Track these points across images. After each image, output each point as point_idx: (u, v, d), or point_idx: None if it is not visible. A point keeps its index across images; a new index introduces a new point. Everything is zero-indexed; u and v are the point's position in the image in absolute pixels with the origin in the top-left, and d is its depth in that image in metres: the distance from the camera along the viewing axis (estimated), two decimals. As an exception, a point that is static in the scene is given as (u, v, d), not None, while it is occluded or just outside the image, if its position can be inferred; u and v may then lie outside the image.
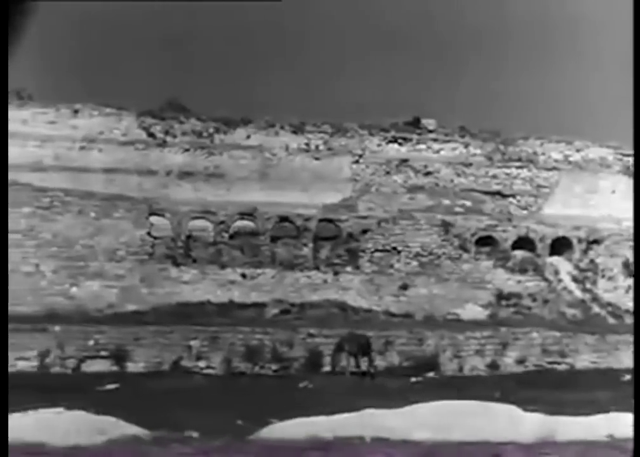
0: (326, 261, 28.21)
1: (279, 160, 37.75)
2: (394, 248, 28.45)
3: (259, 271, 27.42)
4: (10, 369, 18.62)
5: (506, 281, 28.77)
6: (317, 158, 38.13)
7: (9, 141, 36.65)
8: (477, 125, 40.97)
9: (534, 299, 28.15)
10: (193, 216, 28.13)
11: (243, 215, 28.58)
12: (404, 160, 38.84)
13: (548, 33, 47.29)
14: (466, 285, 28.34)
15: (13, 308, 26.57)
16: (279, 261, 27.77)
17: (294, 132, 38.18)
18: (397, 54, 52.04)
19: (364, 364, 20.55)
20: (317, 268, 27.93)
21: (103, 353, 20.45)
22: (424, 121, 39.69)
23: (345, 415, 11.50)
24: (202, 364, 21.13)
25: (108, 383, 17.13)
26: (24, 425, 10.13)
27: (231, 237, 28.14)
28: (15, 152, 36.75)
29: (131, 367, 20.48)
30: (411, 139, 39.14)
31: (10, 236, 26.77)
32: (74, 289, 26.49)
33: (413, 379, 19.66)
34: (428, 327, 24.74)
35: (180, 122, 37.55)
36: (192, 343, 21.01)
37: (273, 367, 21.06)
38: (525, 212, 37.54)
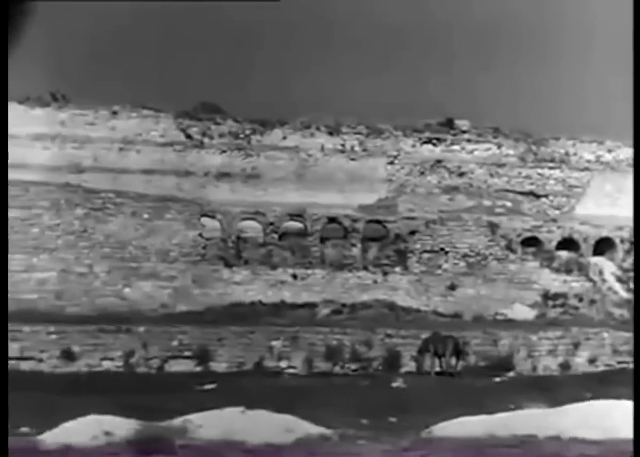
0: (374, 262, 28.40)
1: (315, 161, 37.97)
2: (442, 249, 28.65)
3: (309, 271, 27.62)
4: (96, 369, 18.89)
5: (552, 281, 28.98)
6: (352, 159, 38.35)
7: (48, 142, 37.13)
8: (509, 125, 41.11)
9: (581, 300, 28.35)
10: (244, 217, 28.27)
11: (292, 216, 28.74)
12: (439, 161, 39.05)
13: (577, 34, 47.50)
14: (513, 285, 28.55)
15: (69, 309, 26.88)
16: (328, 261, 27.97)
17: (330, 133, 38.40)
18: (428, 54, 52.21)
19: (446, 364, 20.75)
20: (365, 268, 28.12)
21: (186, 353, 20.63)
22: (457, 122, 39.89)
23: (503, 414, 11.70)
24: (283, 364, 21.32)
25: (205, 383, 17.28)
26: (206, 423, 10.29)
27: (279, 238, 28.35)
28: (54, 154, 37.13)
29: (214, 366, 20.67)
30: (445, 140, 39.33)
31: (64, 237, 27.02)
32: (127, 290, 26.67)
33: (497, 379, 19.88)
34: (480, 327, 24.96)
35: (217, 124, 37.75)
36: (274, 343, 21.19)
37: (353, 366, 21.28)
38: (558, 212, 37.77)
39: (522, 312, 27.55)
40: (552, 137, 40.75)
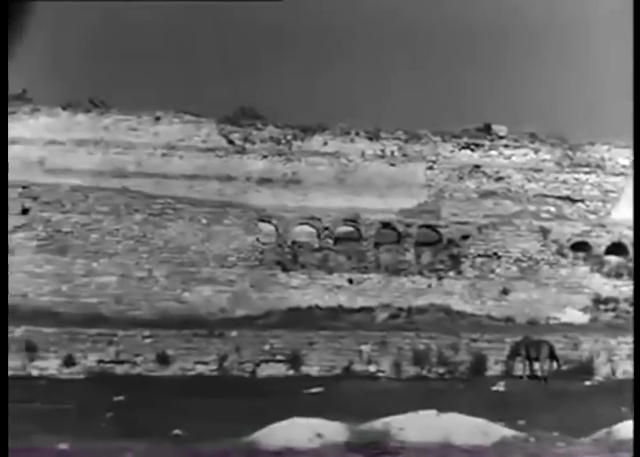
0: (428, 266, 28.64)
1: (355, 167, 38.22)
2: (495, 254, 28.89)
3: (365, 276, 27.85)
4: (190, 373, 19.10)
5: (603, 286, 29.22)
6: (392, 164, 38.59)
7: (92, 148, 37.34)
8: (545, 130, 41.34)
9: (632, 304, 28.56)
10: (299, 222, 28.51)
11: (347, 221, 28.97)
12: (477, 166, 39.30)
13: (617, 41, 47.82)
14: (565, 290, 28.78)
15: (129, 312, 27.09)
16: (384, 266, 28.21)
17: (370, 138, 38.64)
18: (466, 59, 52.53)
19: (541, 368, 20.96)
20: (420, 273, 28.36)
21: (278, 357, 20.83)
22: (495, 127, 40.12)
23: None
24: (372, 368, 21.54)
25: (313, 387, 17.46)
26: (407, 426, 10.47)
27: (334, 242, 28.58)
28: (97, 159, 37.35)
29: (305, 370, 20.86)
30: (483, 146, 39.57)
31: (123, 242, 27.25)
32: (186, 294, 26.89)
33: (587, 383, 20.12)
34: (534, 331, 25.18)
35: (258, 129, 37.99)
36: (363, 347, 21.40)
37: (440, 370, 21.50)
38: (594, 217, 38.02)
39: (575, 316, 27.79)
40: (587, 142, 41.04)
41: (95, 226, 26.66)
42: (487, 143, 39.75)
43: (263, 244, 27.68)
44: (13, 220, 26.26)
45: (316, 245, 28.44)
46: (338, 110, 40.96)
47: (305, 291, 27.45)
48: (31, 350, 18.74)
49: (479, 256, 28.92)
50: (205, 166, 37.63)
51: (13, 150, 37.56)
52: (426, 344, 21.90)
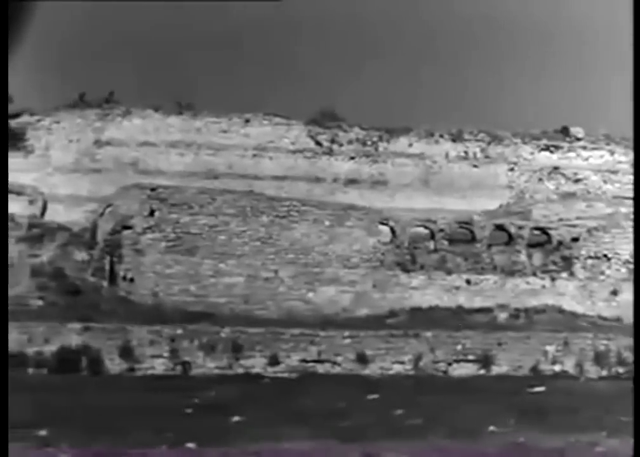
0: (541, 268, 29.21)
1: (439, 168, 38.86)
2: (605, 255, 29.49)
3: (482, 277, 28.41)
4: (388, 373, 19.65)
5: None
6: (475, 166, 39.27)
7: (184, 149, 37.84)
8: (619, 132, 41.94)
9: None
10: (416, 224, 29.05)
11: (461, 223, 29.54)
12: (555, 168, 39.97)
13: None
14: (670, 290, 29.29)
15: (258, 312, 27.60)
16: (499, 267, 28.78)
17: (454, 140, 39.30)
18: (543, 61, 53.17)
19: None
20: (534, 274, 28.94)
21: (470, 357, 21.36)
22: (572, 129, 40.77)
23: None
24: (556, 368, 22.09)
25: (534, 386, 17.98)
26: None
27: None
28: (189, 160, 37.86)
29: (496, 370, 21.40)
30: (561, 148, 40.25)
31: (250, 243, 27.74)
32: (311, 294, 27.40)
33: None
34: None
35: (344, 131, 38.58)
36: (548, 347, 21.97)
37: (620, 370, 22.07)
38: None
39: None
40: (660, 143, 41.70)
41: (222, 227, 27.10)
42: (565, 145, 40.49)
43: (384, 244, 28.18)
44: (142, 222, 26.72)
45: (432, 247, 28.93)
46: (422, 111, 41.33)
47: (425, 291, 27.98)
48: (237, 350, 19.22)
49: (590, 257, 29.49)
50: (294, 167, 38.26)
51: (106, 152, 38.16)
52: (605, 345, 22.51)
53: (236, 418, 12.33)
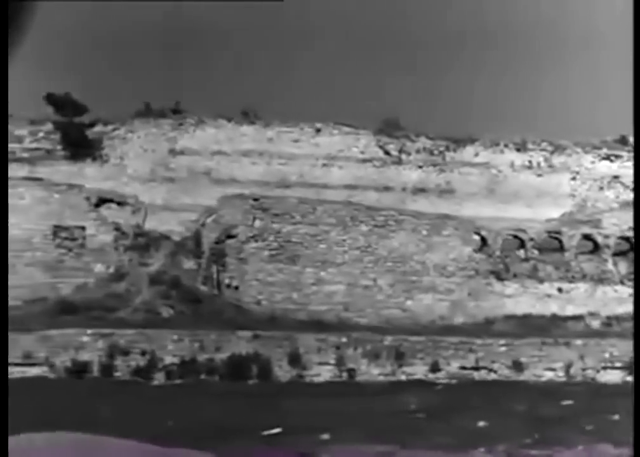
0: (627, 276, 29.83)
1: (504, 177, 39.51)
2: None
3: (572, 285, 29.01)
4: (541, 379, 20.18)
5: None
6: (539, 175, 39.93)
7: (256, 158, 38.33)
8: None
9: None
10: (507, 233, 29.63)
11: (550, 233, 30.15)
12: (615, 176, 40.66)
13: None
14: None
15: (355, 319, 28.11)
16: (589, 275, 29.38)
17: (518, 149, 39.95)
18: (603, 70, 53.88)
19: None
20: (622, 282, 29.55)
21: (617, 364, 21.87)
22: (631, 139, 41.43)
23: None
24: None
25: None
26: None
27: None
28: (262, 169, 38.35)
29: None
30: (621, 157, 40.91)
31: (350, 252, 28.25)
32: (409, 302, 27.91)
33: None
34: None
35: (412, 141, 39.18)
36: None
37: None
38: None
39: None
40: None
41: (323, 236, 27.59)
42: (625, 154, 41.19)
43: (476, 251, 28.76)
44: (246, 230, 27.20)
45: (522, 256, 29.52)
46: (486, 121, 42.00)
47: (518, 299, 28.55)
48: (399, 357, 19.71)
49: (659, 264, 30.16)
50: (363, 176, 38.84)
51: (180, 161, 38.58)
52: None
53: (481, 423, 12.81)
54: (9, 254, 27.03)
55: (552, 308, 28.41)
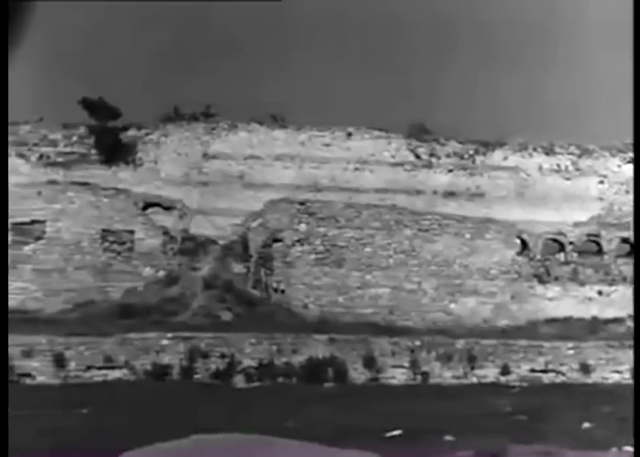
0: (664, 278, 30.16)
1: (533, 181, 39.80)
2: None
3: (612, 288, 29.34)
4: (607, 382, 20.48)
5: None
6: (567, 179, 40.22)
7: (288, 162, 38.55)
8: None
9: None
10: (547, 237, 29.95)
11: (590, 236, 30.48)
12: (640, 180, 40.93)
13: None
14: None
15: (400, 323, 28.38)
16: (628, 279, 29.74)
17: (547, 153, 40.25)
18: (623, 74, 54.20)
19: None
20: (660, 284, 29.88)
21: None
22: (653, 142, 41.73)
23: None
24: None
25: None
26: None
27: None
28: (294, 173, 38.57)
29: None
30: (646, 160, 41.16)
31: (395, 256, 28.53)
32: (453, 305, 28.21)
33: None
34: None
35: (441, 145, 39.45)
36: None
37: None
38: None
39: None
40: None
41: (368, 240, 27.88)
42: (650, 157, 41.54)
43: (519, 254, 29.10)
44: (292, 234, 27.46)
45: (562, 259, 29.86)
46: (514, 124, 42.37)
47: (559, 302, 28.89)
48: (471, 360, 20.01)
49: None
50: (394, 180, 39.08)
51: (213, 165, 38.80)
52: None
53: (586, 424, 13.08)
54: (59, 257, 27.26)
55: (593, 310, 28.78)
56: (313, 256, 27.45)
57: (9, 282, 27.05)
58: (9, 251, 26.75)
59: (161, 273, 26.68)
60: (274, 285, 27.06)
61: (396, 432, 11.60)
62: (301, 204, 27.65)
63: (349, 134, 38.47)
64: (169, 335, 18.66)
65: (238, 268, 26.79)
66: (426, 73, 52.53)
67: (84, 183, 28.59)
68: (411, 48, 51.55)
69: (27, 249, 26.35)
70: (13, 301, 26.34)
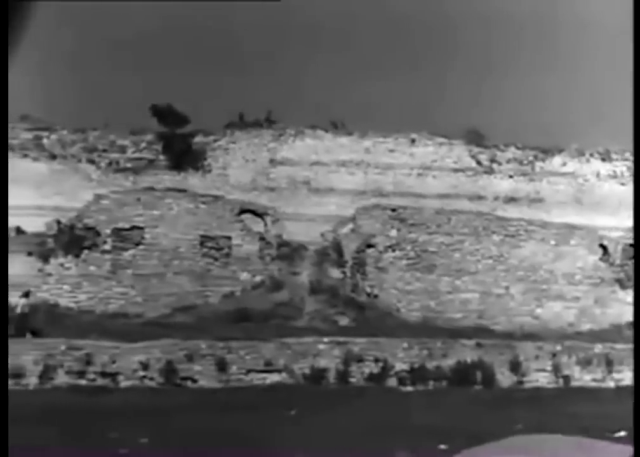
0: None
1: (590, 186, 40.53)
2: None
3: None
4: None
5: None
6: (622, 184, 40.97)
7: (354, 168, 39.09)
8: None
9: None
10: (625, 242, 30.60)
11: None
12: (694, 186, 41.69)
13: None
14: None
15: (492, 326, 28.95)
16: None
17: (603, 159, 41.00)
18: None
19: None
20: None
21: None
22: None
23: None
24: None
25: None
26: None
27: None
28: (359, 179, 39.11)
29: None
30: (699, 166, 41.92)
31: (483, 261, 29.08)
32: (539, 310, 28.80)
33: None
34: None
35: (501, 151, 40.12)
36: None
37: None
38: None
39: None
40: None
41: (457, 246, 28.43)
42: (702, 163, 42.35)
43: (601, 259, 29.73)
44: (385, 240, 27.99)
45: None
46: (571, 130, 43.11)
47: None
48: (609, 364, 20.54)
49: None
50: (456, 186, 39.71)
51: (280, 171, 39.30)
52: None
53: None
54: (159, 263, 27.72)
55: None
56: (404, 262, 27.95)
57: (110, 288, 27.51)
58: (109, 256, 27.19)
59: (258, 278, 27.13)
60: (367, 290, 27.56)
61: (622, 433, 12.07)
62: (393, 210, 28.15)
63: (412, 141, 39.09)
64: (326, 340, 19.13)
65: (336, 273, 27.27)
66: (483, 79, 53.16)
67: (181, 189, 29.03)
68: (468, 52, 52.15)
69: (127, 254, 26.76)
70: (114, 306, 26.82)
